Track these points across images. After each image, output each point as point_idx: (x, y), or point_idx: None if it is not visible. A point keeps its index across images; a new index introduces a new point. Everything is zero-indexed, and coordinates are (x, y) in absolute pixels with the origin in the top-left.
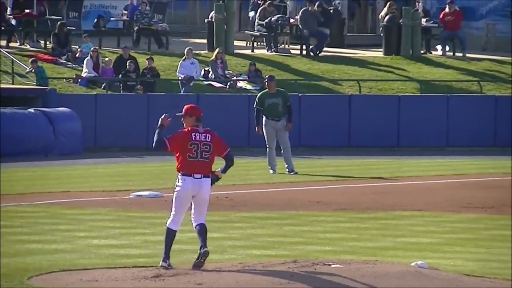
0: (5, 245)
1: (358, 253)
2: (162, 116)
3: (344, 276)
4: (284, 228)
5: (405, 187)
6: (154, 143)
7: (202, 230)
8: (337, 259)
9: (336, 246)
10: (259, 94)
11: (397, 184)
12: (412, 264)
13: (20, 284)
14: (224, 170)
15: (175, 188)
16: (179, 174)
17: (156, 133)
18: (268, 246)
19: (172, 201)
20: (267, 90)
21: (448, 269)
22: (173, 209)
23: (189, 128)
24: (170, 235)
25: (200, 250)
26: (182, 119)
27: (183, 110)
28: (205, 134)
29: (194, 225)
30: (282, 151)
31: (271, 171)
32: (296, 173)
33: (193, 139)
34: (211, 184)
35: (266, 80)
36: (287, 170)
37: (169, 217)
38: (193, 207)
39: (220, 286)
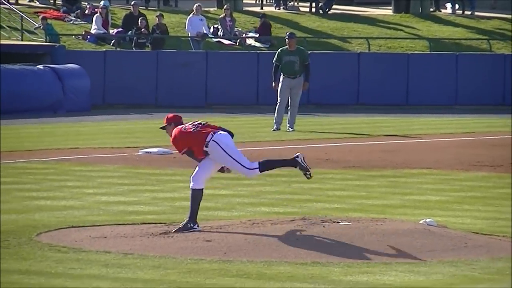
0: (13, 202)
1: (366, 211)
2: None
3: (353, 234)
4: (293, 185)
5: (414, 145)
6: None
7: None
8: (346, 217)
9: (345, 204)
10: (279, 50)
11: (406, 142)
12: (421, 222)
13: (29, 240)
14: None
15: None
16: None
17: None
18: (276, 203)
19: None
20: (287, 47)
21: (456, 227)
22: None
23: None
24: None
25: None
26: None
27: (165, 120)
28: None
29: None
30: (289, 108)
31: (274, 126)
32: (294, 130)
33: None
34: None
35: (287, 37)
36: (288, 125)
37: None
38: None
39: (228, 243)
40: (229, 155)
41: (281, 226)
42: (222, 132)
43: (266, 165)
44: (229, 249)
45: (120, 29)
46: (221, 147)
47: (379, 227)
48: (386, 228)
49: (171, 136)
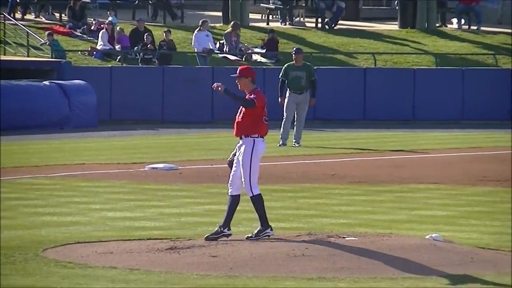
0: (20, 218)
1: (372, 226)
2: (218, 84)
3: (359, 249)
4: (299, 201)
5: (421, 160)
6: (244, 102)
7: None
8: (352, 232)
9: (351, 219)
10: (285, 65)
11: (413, 157)
12: (427, 237)
13: (35, 256)
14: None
15: (253, 151)
16: (256, 137)
17: (234, 96)
18: (283, 218)
19: (250, 165)
20: (293, 62)
21: (463, 242)
22: (254, 173)
23: (258, 90)
24: (261, 200)
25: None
26: (236, 81)
27: (238, 72)
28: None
29: (236, 193)
30: (295, 123)
31: (280, 142)
32: (300, 145)
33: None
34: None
35: (293, 52)
36: (294, 140)
37: (250, 184)
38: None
39: (234, 259)
40: (250, 162)
41: (287, 241)
42: (263, 141)
43: (256, 202)
44: (235, 265)
45: (124, 40)
46: (253, 148)
47: (385, 242)
48: (392, 243)
49: (244, 88)
